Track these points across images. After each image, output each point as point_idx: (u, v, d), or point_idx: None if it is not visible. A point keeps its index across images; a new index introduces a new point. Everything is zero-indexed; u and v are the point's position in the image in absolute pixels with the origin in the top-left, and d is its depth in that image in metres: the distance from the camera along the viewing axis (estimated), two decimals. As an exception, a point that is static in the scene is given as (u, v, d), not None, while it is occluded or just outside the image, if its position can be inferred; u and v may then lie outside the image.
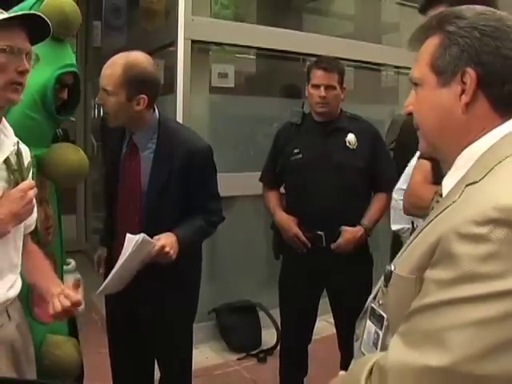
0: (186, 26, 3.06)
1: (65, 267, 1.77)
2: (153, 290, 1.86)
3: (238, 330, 3.33)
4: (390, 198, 2.08)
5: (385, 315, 0.90)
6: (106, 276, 2.02)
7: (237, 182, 3.18)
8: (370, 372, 0.78)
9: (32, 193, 1.28)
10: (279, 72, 4.05)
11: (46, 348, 1.57)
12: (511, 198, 0.70)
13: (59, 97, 1.61)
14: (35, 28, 1.28)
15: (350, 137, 2.30)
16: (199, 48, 3.23)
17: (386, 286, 0.90)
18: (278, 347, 2.88)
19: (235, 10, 3.81)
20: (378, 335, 0.91)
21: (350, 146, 2.29)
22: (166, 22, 3.92)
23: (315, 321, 2.50)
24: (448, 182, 0.89)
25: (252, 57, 4.04)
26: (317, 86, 2.28)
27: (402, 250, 0.94)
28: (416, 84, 0.93)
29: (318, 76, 2.28)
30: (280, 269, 2.52)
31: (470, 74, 0.83)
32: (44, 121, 1.55)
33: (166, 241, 1.74)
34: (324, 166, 2.30)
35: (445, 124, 0.88)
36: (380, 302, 0.93)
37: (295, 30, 3.65)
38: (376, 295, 0.97)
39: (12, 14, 1.24)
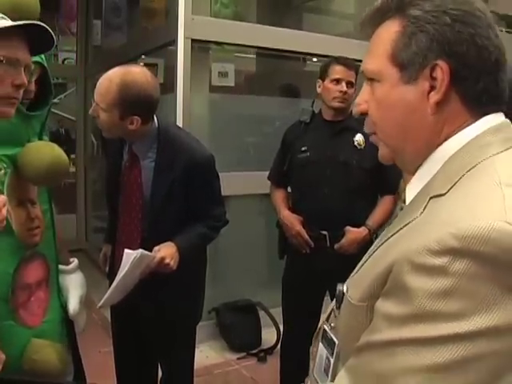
0: (186, 24, 3.06)
1: (64, 267, 1.74)
2: (156, 291, 1.86)
3: (238, 329, 3.33)
4: (395, 201, 2.06)
5: (336, 341, 0.83)
6: (108, 274, 2.02)
7: (236, 182, 3.17)
8: None
9: (4, 210, 1.19)
10: (279, 71, 4.05)
11: (26, 353, 1.54)
12: (474, 222, 0.58)
13: (27, 90, 1.53)
14: (36, 38, 1.18)
15: (359, 137, 2.29)
16: (199, 47, 3.22)
17: (338, 307, 0.81)
18: (278, 346, 2.88)
19: (235, 9, 3.81)
20: (330, 362, 0.84)
21: (358, 146, 2.29)
22: (165, 21, 3.91)
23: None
24: (411, 191, 0.77)
25: (252, 56, 4.04)
26: (337, 81, 2.28)
27: (358, 265, 0.83)
28: (371, 79, 0.78)
29: (340, 71, 2.29)
30: (284, 268, 2.52)
31: (443, 68, 0.70)
32: (13, 119, 1.48)
33: (166, 252, 1.72)
34: (330, 164, 2.30)
35: (410, 126, 0.75)
36: (332, 324, 0.86)
37: (295, 29, 3.64)
38: (329, 316, 0.89)
39: (12, 23, 1.15)
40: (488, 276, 0.57)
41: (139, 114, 1.70)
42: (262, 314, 3.41)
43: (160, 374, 2.11)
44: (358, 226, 2.28)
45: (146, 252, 1.67)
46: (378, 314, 0.65)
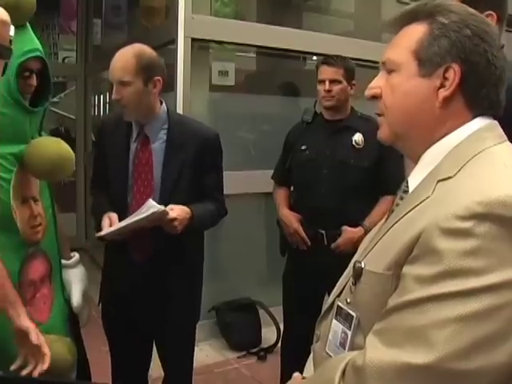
0: (186, 23, 3.06)
1: (65, 262, 1.75)
2: (155, 289, 1.87)
3: (238, 327, 3.34)
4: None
5: (354, 314, 0.86)
6: None
7: (237, 180, 3.16)
8: (343, 373, 0.75)
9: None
10: (279, 70, 4.04)
11: None
12: (493, 192, 0.69)
13: (29, 84, 1.53)
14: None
15: (357, 136, 2.31)
16: (199, 46, 3.22)
17: (354, 283, 0.87)
18: (278, 345, 2.88)
19: (235, 8, 3.81)
20: (347, 335, 0.87)
21: (357, 146, 2.30)
22: (166, 20, 3.91)
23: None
24: (415, 179, 0.87)
25: (252, 55, 4.03)
26: (322, 81, 2.33)
27: (363, 247, 0.95)
28: (389, 69, 0.89)
29: (323, 71, 2.35)
30: (285, 265, 2.53)
31: (456, 70, 0.81)
32: (17, 115, 1.46)
33: (179, 214, 1.76)
34: (327, 163, 2.31)
35: (417, 115, 0.85)
36: (348, 300, 0.89)
37: (295, 28, 3.65)
38: (340, 293, 0.94)
39: None
40: (505, 236, 0.67)
41: (158, 74, 1.83)
42: (261, 312, 3.42)
43: (159, 374, 2.11)
44: (354, 225, 2.28)
45: (166, 210, 1.72)
46: (406, 278, 0.73)
